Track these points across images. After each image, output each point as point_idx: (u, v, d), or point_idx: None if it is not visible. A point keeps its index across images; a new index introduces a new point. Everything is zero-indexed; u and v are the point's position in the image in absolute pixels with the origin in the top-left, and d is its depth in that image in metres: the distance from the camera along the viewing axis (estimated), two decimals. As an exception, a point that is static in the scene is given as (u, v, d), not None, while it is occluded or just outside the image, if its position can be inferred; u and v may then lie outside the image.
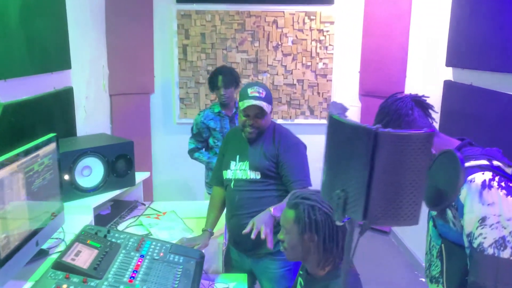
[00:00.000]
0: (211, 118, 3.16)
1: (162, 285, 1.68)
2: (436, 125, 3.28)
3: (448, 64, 3.20)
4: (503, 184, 1.33)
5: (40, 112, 2.52)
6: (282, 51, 4.26)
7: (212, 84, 3.14)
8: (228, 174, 2.24)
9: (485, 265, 1.31)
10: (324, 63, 4.31)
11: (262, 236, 1.78)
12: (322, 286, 1.61)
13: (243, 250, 2.30)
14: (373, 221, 0.99)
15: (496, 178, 1.34)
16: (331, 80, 4.35)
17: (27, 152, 1.58)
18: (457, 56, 3.09)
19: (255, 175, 2.16)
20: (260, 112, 2.12)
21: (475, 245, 1.32)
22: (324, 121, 4.49)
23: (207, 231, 2.27)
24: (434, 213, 1.49)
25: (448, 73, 3.23)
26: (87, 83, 3.46)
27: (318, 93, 4.36)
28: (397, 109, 1.48)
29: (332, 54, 4.30)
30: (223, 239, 2.40)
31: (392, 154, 0.93)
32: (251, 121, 2.13)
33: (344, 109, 1.10)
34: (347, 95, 4.41)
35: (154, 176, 4.51)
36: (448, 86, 3.19)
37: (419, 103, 1.51)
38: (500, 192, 1.32)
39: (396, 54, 4.09)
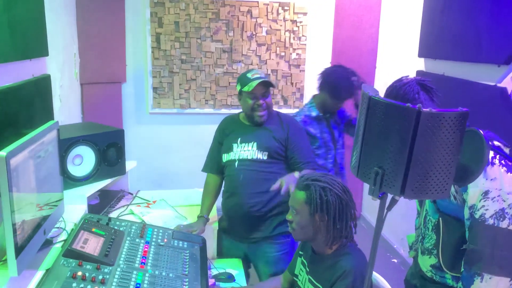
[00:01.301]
0: (309, 123, 2.71)
1: (173, 270, 1.70)
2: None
3: (421, 55, 3.36)
4: (503, 162, 1.47)
5: (22, 100, 2.42)
6: (256, 41, 4.29)
7: (336, 95, 2.65)
8: (230, 156, 2.28)
9: (485, 234, 1.44)
10: (297, 54, 4.38)
11: (292, 190, 1.81)
12: (330, 263, 1.68)
13: (238, 236, 2.33)
14: (410, 195, 1.06)
15: (497, 157, 1.47)
16: (304, 71, 4.44)
17: (35, 139, 1.53)
18: (429, 46, 3.25)
19: (262, 155, 2.21)
20: (266, 91, 2.20)
21: (477, 216, 1.45)
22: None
23: (203, 217, 2.29)
24: None
25: (421, 64, 3.40)
26: (61, 71, 3.34)
27: (292, 83, 4.44)
28: (404, 94, 1.57)
29: (305, 44, 4.38)
30: (217, 225, 2.42)
31: (432, 132, 1.01)
32: (260, 101, 2.18)
33: (377, 91, 1.16)
34: (319, 85, 4.52)
35: (127, 167, 4.42)
36: (422, 76, 3.35)
37: (424, 86, 1.61)
38: (501, 169, 1.45)
39: (366, 45, 4.23)
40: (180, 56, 4.24)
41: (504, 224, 1.42)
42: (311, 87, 4.49)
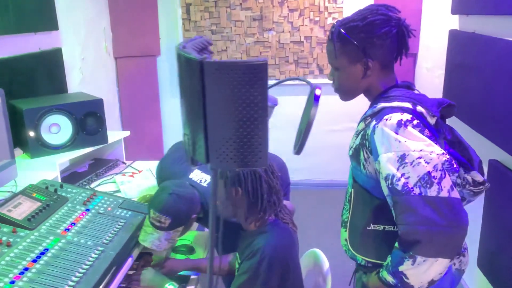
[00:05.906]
0: None
1: (94, 237, 1.67)
2: (441, 75, 3.04)
3: (454, 11, 2.90)
4: (418, 128, 1.19)
5: (22, 71, 2.56)
6: (288, 7, 4.05)
7: None
8: None
9: (413, 209, 1.14)
10: (333, 18, 4.05)
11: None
12: (249, 241, 1.54)
13: None
14: (217, 164, 0.89)
15: (414, 121, 1.20)
16: (341, 36, 4.10)
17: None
18: (462, 1, 2.79)
19: None
20: None
21: (399, 187, 1.16)
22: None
23: None
24: (350, 153, 1.36)
25: (455, 22, 2.94)
26: (83, 44, 3.47)
27: (328, 50, 4.14)
28: (375, 24, 1.26)
29: (342, 7, 4.03)
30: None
31: (223, 87, 0.82)
32: None
33: (206, 43, 0.99)
34: (359, 52, 4.16)
35: (165, 137, 4.55)
36: (453, 36, 2.90)
37: (402, 34, 1.31)
38: (414, 130, 1.18)
39: (410, 5, 3.77)
40: (210, 27, 4.16)
41: (432, 191, 1.13)
42: (349, 55, 4.16)
